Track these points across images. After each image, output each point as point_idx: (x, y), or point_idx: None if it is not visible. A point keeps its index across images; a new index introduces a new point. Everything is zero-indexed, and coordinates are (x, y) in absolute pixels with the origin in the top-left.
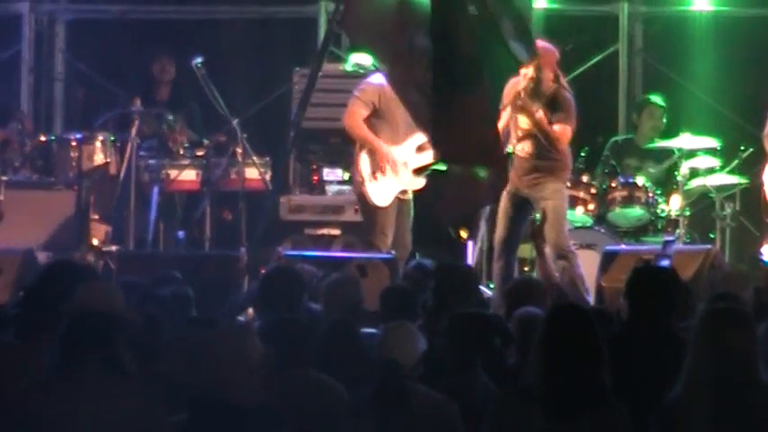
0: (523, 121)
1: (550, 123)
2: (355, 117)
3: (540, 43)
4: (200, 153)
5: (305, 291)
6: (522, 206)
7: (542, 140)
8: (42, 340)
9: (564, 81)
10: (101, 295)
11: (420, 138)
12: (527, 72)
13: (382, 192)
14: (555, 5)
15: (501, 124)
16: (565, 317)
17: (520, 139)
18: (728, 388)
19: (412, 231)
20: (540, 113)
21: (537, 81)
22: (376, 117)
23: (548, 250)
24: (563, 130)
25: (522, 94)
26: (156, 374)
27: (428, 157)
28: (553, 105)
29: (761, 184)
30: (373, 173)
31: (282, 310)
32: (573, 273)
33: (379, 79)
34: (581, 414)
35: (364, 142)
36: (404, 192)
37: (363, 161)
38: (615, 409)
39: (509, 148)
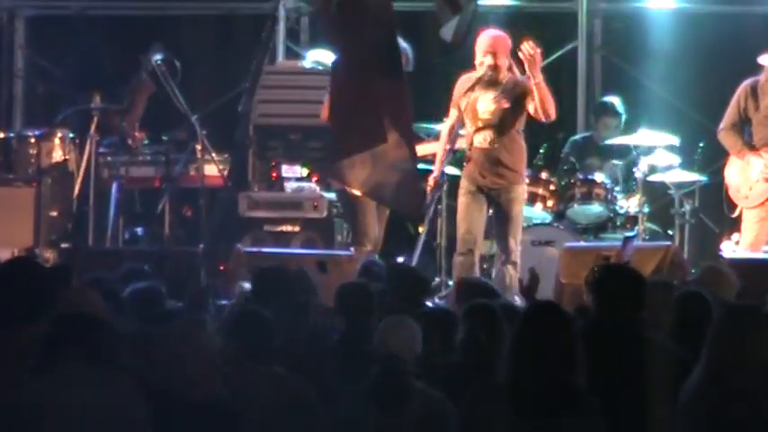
0: (484, 110)
1: (514, 113)
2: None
3: (495, 32)
4: (159, 150)
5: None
6: (482, 201)
7: (504, 130)
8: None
9: (516, 71)
10: (84, 297)
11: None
12: (484, 60)
13: (359, 178)
14: (514, 2)
15: (448, 123)
16: (542, 315)
17: (479, 129)
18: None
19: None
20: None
21: (495, 69)
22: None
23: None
24: (546, 101)
25: (480, 82)
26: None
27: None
28: (513, 93)
29: (723, 180)
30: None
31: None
32: (516, 280)
33: None
34: (554, 413)
35: None
36: None
37: None
38: (589, 410)
39: (461, 145)
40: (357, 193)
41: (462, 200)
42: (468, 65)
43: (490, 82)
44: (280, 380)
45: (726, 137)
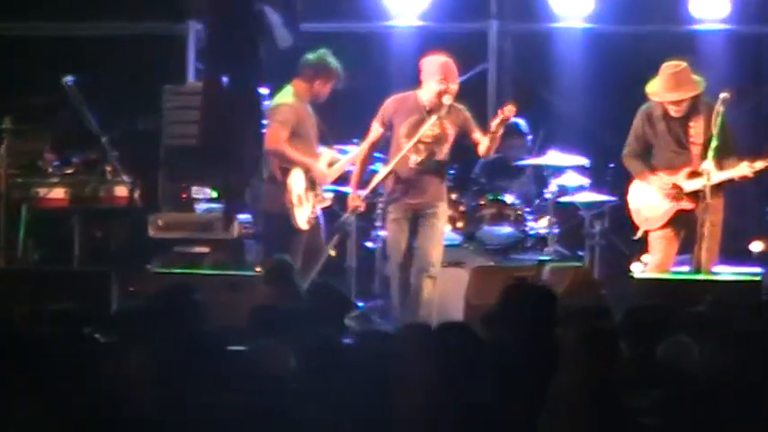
0: (427, 133)
1: (465, 134)
2: (280, 141)
3: (446, 58)
4: (69, 171)
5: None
6: (412, 224)
7: (442, 152)
8: None
9: None
10: None
11: (328, 153)
12: (439, 86)
13: (305, 214)
14: (425, 23)
15: (370, 141)
16: (451, 336)
17: (420, 152)
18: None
19: None
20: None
21: (451, 95)
22: (293, 136)
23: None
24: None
25: (444, 110)
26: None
27: (338, 170)
28: (456, 119)
29: (626, 203)
30: (306, 193)
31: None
32: (432, 296)
33: (288, 99)
34: None
35: (294, 163)
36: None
37: (296, 181)
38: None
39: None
40: (306, 227)
41: (393, 228)
42: (381, 87)
43: (436, 106)
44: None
45: (628, 162)
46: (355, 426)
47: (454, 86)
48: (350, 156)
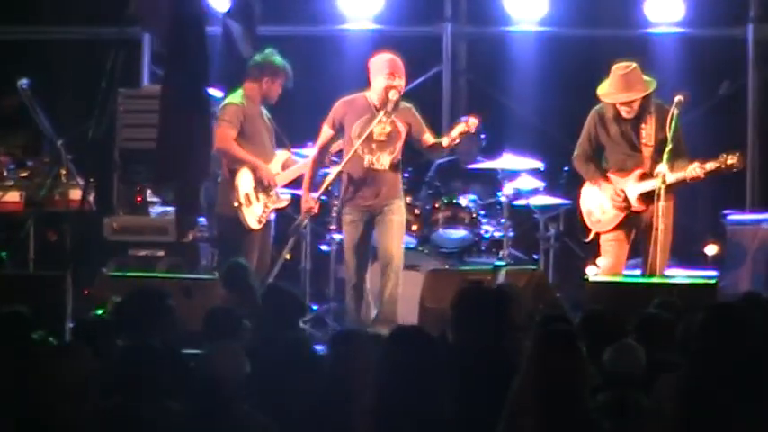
0: (381, 132)
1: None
2: (228, 139)
3: (393, 55)
4: (23, 174)
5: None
6: (368, 225)
7: (395, 151)
8: None
9: None
10: None
11: (283, 155)
12: (399, 84)
13: (255, 214)
14: (378, 26)
15: (320, 143)
16: (406, 341)
17: (373, 151)
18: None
19: None
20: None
21: (400, 92)
22: (241, 137)
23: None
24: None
25: (391, 105)
26: None
27: (293, 173)
28: (406, 117)
29: (578, 206)
30: (255, 192)
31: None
32: (396, 291)
33: (236, 99)
34: None
35: (242, 162)
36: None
37: (244, 181)
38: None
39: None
40: (257, 226)
41: (351, 231)
42: (336, 89)
43: (396, 105)
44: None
45: (579, 164)
46: (307, 428)
47: (401, 82)
48: (307, 159)
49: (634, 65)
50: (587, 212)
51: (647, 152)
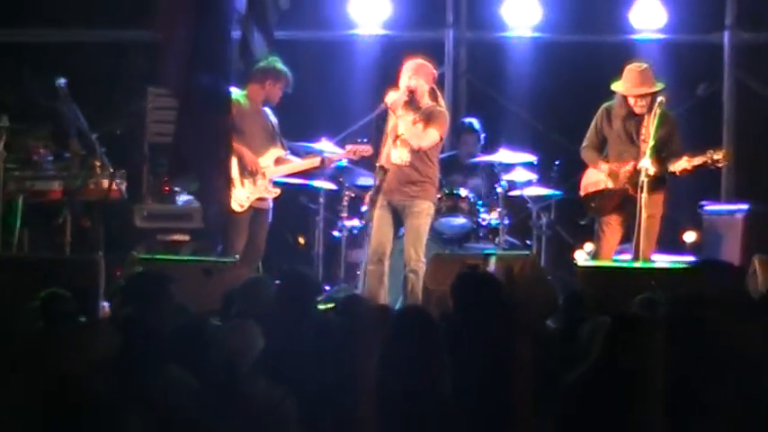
0: (401, 129)
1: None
2: None
3: (419, 60)
4: (61, 165)
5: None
6: (395, 215)
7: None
8: None
9: (441, 99)
10: None
11: (277, 152)
12: (409, 83)
13: (238, 198)
14: (386, 31)
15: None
16: (410, 320)
17: (397, 147)
18: None
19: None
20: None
21: (412, 92)
22: (236, 131)
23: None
24: (427, 134)
25: (401, 103)
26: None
27: (285, 169)
28: (428, 118)
29: (577, 194)
30: (241, 178)
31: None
32: (419, 289)
33: (234, 98)
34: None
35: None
36: (261, 200)
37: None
38: (451, 412)
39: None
40: (239, 209)
41: (376, 214)
42: (346, 89)
43: (408, 103)
44: (173, 379)
45: (586, 153)
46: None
47: (417, 82)
48: (303, 162)
49: (646, 65)
50: (586, 197)
51: (644, 147)
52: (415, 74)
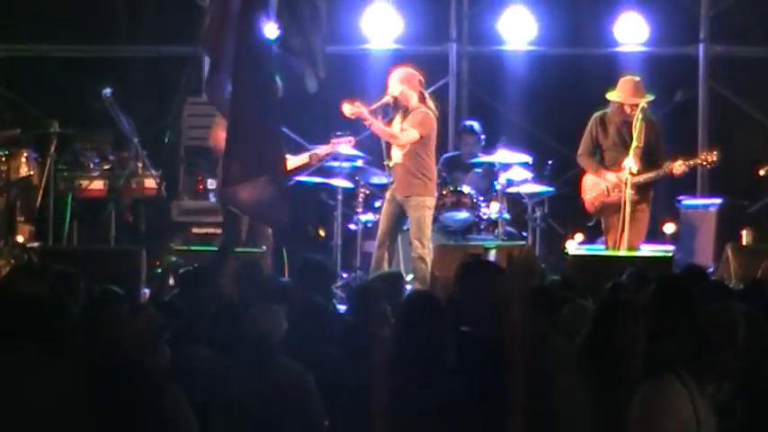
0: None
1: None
2: (220, 139)
3: (404, 68)
4: (106, 166)
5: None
6: (399, 208)
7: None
8: None
9: (429, 102)
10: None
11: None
12: (392, 91)
13: None
14: (396, 46)
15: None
16: (418, 302)
17: (394, 148)
18: None
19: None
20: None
21: (395, 98)
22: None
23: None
24: (406, 134)
25: (378, 107)
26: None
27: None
28: (411, 119)
29: (568, 192)
30: None
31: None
32: (426, 273)
33: None
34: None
35: None
36: None
37: None
38: (453, 379)
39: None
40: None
41: (384, 206)
42: (356, 98)
43: (393, 107)
44: (202, 357)
45: (583, 160)
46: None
47: (392, 89)
48: (294, 159)
49: (639, 78)
50: (589, 201)
51: (636, 151)
52: (399, 81)
